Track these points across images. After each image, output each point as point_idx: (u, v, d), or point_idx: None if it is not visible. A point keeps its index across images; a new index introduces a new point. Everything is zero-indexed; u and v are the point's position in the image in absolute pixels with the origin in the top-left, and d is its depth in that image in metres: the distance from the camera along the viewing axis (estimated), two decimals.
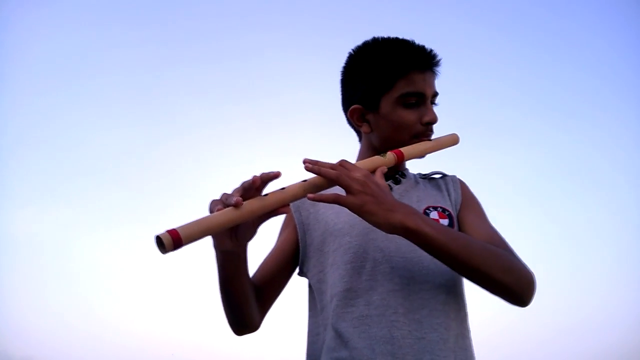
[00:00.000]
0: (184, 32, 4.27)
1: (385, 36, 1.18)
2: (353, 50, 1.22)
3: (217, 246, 0.98)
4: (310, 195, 0.92)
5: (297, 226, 1.21)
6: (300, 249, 1.19)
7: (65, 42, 4.13)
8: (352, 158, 1.28)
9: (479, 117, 4.13)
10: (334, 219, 1.15)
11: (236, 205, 0.86)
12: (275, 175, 0.92)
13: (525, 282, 1.00)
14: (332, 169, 0.96)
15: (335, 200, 0.93)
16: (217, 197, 0.92)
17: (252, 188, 0.90)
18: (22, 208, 4.21)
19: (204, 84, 4.28)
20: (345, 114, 1.24)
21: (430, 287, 1.05)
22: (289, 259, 1.20)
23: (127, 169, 4.29)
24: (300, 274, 1.21)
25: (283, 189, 0.95)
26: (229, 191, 0.91)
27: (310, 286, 1.20)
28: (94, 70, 4.23)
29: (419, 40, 1.17)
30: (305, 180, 0.96)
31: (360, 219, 1.05)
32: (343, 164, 0.97)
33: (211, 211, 0.89)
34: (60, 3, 4.10)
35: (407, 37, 1.17)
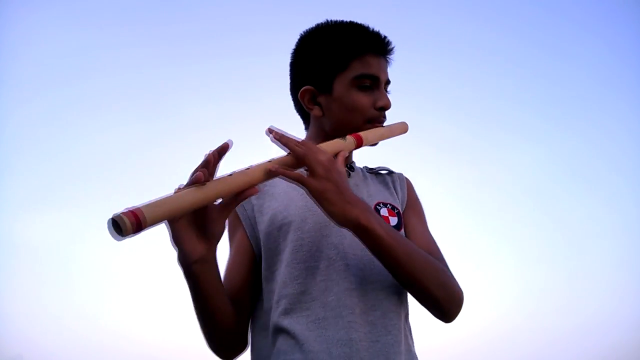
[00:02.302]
0: (185, 31, 4.28)
1: (339, 19, 1.15)
2: (305, 32, 1.17)
3: (188, 255, 0.86)
4: (273, 168, 0.87)
5: (244, 222, 1.11)
6: (254, 245, 1.09)
7: (65, 42, 4.13)
8: None
9: (483, 115, 4.12)
10: (282, 212, 1.08)
11: (198, 182, 0.78)
12: (225, 146, 0.85)
13: (456, 299, 1.02)
14: (298, 146, 0.92)
15: (299, 178, 0.90)
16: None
17: (210, 166, 0.83)
18: (22, 212, 4.21)
19: (206, 83, 4.28)
20: (295, 97, 1.17)
21: (382, 287, 1.03)
22: (252, 259, 1.09)
23: (128, 171, 4.29)
24: None
25: (247, 168, 0.87)
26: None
27: None
28: (94, 71, 4.24)
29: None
30: (269, 161, 0.90)
31: (312, 213, 1.05)
32: (306, 143, 0.93)
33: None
34: (59, 3, 4.11)
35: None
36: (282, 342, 0.99)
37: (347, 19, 1.15)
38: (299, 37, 1.17)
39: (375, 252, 0.94)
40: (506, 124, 4.23)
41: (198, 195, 0.77)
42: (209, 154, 0.83)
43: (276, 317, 1.01)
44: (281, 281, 1.03)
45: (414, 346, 1.09)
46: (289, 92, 1.20)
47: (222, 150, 0.85)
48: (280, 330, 1.00)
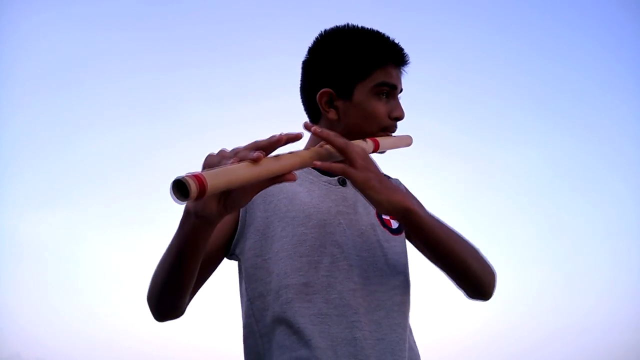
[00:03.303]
0: (189, 35, 4.33)
1: (360, 25, 1.15)
2: (324, 32, 1.17)
3: (199, 210, 0.81)
4: (318, 162, 0.89)
5: None
6: (239, 226, 1.08)
7: (70, 46, 4.19)
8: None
9: (483, 118, 4.17)
10: (287, 205, 1.08)
11: (256, 161, 0.76)
12: (297, 137, 0.85)
13: (492, 274, 1.06)
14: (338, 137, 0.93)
15: (344, 171, 0.91)
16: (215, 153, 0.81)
17: (271, 149, 0.81)
18: (27, 212, 4.26)
19: (209, 86, 4.33)
20: (307, 98, 1.18)
21: (385, 288, 1.05)
22: (226, 241, 1.09)
23: (132, 171, 4.34)
24: (230, 255, 1.11)
25: (292, 153, 0.87)
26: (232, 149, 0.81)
27: (240, 270, 1.11)
28: (98, 73, 4.30)
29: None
30: (307, 149, 0.91)
31: (317, 210, 1.07)
32: (341, 137, 0.94)
33: (211, 165, 0.78)
34: (63, 7, 4.16)
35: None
36: (282, 336, 0.99)
37: (344, 22, 1.15)
38: (317, 36, 1.17)
39: (419, 234, 0.98)
40: (503, 126, 4.28)
41: (252, 172, 0.77)
42: (282, 135, 0.82)
43: (278, 307, 1.01)
44: (281, 272, 1.03)
45: (415, 344, 1.11)
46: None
47: (293, 139, 0.85)
48: (280, 321, 1.00)
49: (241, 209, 1.09)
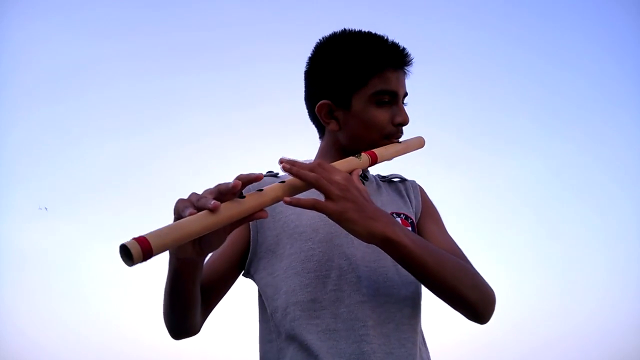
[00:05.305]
0: (185, 41, 4.33)
1: (357, 29, 1.11)
2: (321, 40, 1.13)
3: (176, 252, 0.85)
4: (287, 198, 0.85)
5: (250, 223, 1.09)
6: (251, 247, 1.09)
7: (68, 52, 4.19)
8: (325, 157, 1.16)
9: (482, 124, 4.18)
10: (295, 220, 1.08)
11: (213, 210, 0.75)
12: (257, 178, 0.82)
13: (489, 300, 1.00)
14: (311, 170, 0.89)
15: (314, 206, 0.86)
16: (185, 196, 0.80)
17: (230, 192, 0.79)
18: (30, 222, 4.25)
19: (207, 92, 4.33)
20: (311, 108, 1.15)
21: (395, 300, 1.02)
22: (238, 259, 1.10)
23: (135, 179, 4.34)
24: (246, 274, 1.11)
25: (260, 190, 0.85)
26: (200, 192, 0.80)
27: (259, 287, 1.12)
28: (99, 81, 4.30)
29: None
30: (283, 182, 0.88)
31: (324, 223, 1.04)
32: (322, 164, 0.91)
33: (179, 215, 0.77)
34: (62, 13, 4.17)
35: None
36: (294, 352, 0.99)
37: (347, 26, 1.12)
38: (315, 45, 1.14)
39: (404, 263, 0.91)
40: (502, 132, 4.28)
41: (210, 221, 0.75)
42: (236, 181, 0.80)
43: (287, 324, 1.01)
44: (290, 289, 1.02)
45: (428, 357, 1.09)
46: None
47: (252, 181, 0.82)
48: (292, 339, 1.00)
49: (252, 229, 1.09)
